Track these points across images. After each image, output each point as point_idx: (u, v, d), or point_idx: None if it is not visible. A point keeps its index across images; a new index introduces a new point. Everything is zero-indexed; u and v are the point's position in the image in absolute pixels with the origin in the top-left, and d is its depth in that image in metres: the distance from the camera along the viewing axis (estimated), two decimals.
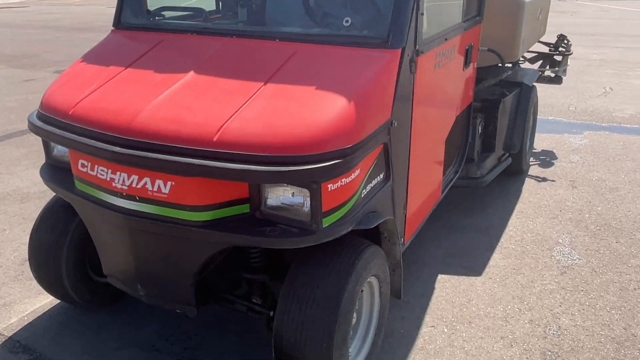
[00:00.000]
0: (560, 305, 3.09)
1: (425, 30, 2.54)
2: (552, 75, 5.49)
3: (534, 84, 4.73)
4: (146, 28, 2.88)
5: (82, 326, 2.90)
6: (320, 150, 1.97)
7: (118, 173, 2.15)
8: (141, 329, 2.88)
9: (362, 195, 2.24)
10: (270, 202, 2.13)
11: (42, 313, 3.01)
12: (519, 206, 4.30)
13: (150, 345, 2.77)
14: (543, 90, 6.61)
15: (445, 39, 2.87)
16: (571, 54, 5.48)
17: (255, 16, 2.99)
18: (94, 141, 2.17)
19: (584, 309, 3.06)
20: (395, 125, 2.37)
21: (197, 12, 2.96)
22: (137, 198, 2.14)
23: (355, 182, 2.14)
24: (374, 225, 2.27)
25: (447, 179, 3.60)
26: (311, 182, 1.99)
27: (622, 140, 5.76)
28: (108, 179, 2.19)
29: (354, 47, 2.37)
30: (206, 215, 2.10)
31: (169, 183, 2.08)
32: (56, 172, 2.58)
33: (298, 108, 2.10)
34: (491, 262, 3.52)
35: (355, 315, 2.28)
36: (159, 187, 2.09)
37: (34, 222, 2.85)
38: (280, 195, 2.11)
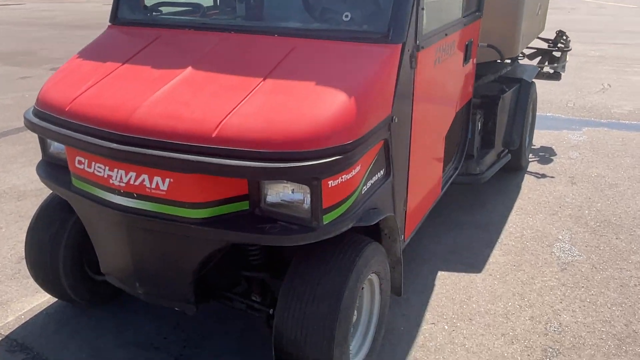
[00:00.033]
0: (561, 302, 3.08)
1: (426, 25, 2.52)
2: (551, 71, 5.47)
3: (533, 80, 4.72)
4: (143, 23, 2.85)
5: (80, 325, 2.88)
6: (320, 147, 1.95)
7: (115, 170, 2.12)
8: (139, 327, 2.86)
9: (363, 192, 2.22)
10: (270, 199, 2.11)
11: (39, 311, 2.98)
12: (519, 202, 4.29)
13: (149, 343, 2.75)
14: (541, 87, 6.59)
15: (446, 35, 2.85)
16: (570, 50, 5.47)
17: (253, 11, 2.96)
18: (91, 138, 2.14)
19: (584, 306, 3.04)
20: (396, 121, 2.35)
21: (194, 7, 2.93)
22: (135, 195, 2.11)
23: (355, 179, 2.12)
24: (374, 222, 2.25)
25: (447, 176, 3.58)
26: (311, 179, 1.97)
27: (621, 137, 5.75)
28: (105, 176, 2.16)
29: (353, 42, 2.35)
30: (205, 213, 2.07)
31: (167, 180, 2.05)
32: (53, 169, 2.56)
33: (298, 104, 2.08)
34: (491, 259, 3.51)
35: (355, 312, 2.26)
36: (157, 184, 2.07)
37: (30, 220, 2.82)
38: (280, 192, 2.08)
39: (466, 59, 3.35)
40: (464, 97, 3.54)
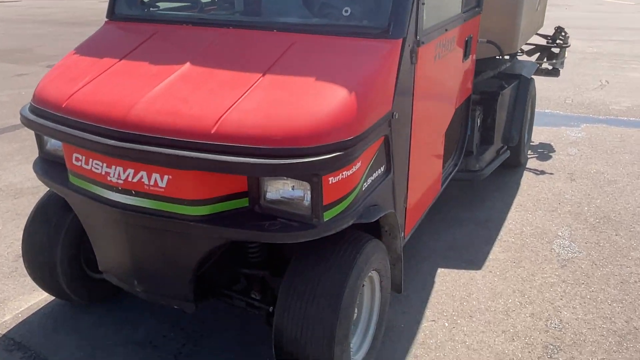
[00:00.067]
0: (562, 299, 3.07)
1: (426, 20, 2.50)
2: (550, 67, 5.46)
3: (532, 76, 4.70)
4: (140, 19, 2.83)
5: (78, 323, 2.86)
6: (321, 143, 1.93)
7: (113, 167, 2.10)
8: (138, 326, 2.84)
9: (363, 189, 2.20)
10: (270, 195, 2.09)
11: (36, 310, 2.96)
12: (518, 199, 4.28)
13: (148, 341, 2.73)
14: (539, 83, 6.57)
15: (446, 30, 2.83)
16: (569, 46, 5.46)
17: (251, 6, 2.93)
18: (88, 134, 2.12)
19: (585, 302, 3.04)
20: (396, 117, 2.33)
21: (192, 2, 2.90)
22: (133, 192, 2.09)
23: (356, 175, 2.10)
24: (375, 219, 2.23)
25: (447, 172, 3.56)
26: (312, 175, 1.95)
27: (619, 133, 5.74)
28: (103, 173, 2.13)
29: (353, 37, 2.33)
30: (204, 210, 2.05)
31: (165, 177, 2.03)
32: (50, 166, 2.53)
33: (298, 99, 2.06)
34: (491, 256, 3.49)
35: (356, 310, 2.24)
36: (155, 181, 2.05)
37: (27, 218, 2.79)
38: (280, 189, 2.06)
39: (466, 55, 3.33)
40: (464, 93, 3.52)
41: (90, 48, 2.66)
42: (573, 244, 3.62)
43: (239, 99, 2.07)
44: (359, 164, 2.11)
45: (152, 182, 2.05)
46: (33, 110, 2.42)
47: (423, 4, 2.41)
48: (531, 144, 5.34)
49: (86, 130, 2.13)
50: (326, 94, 2.06)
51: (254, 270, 2.45)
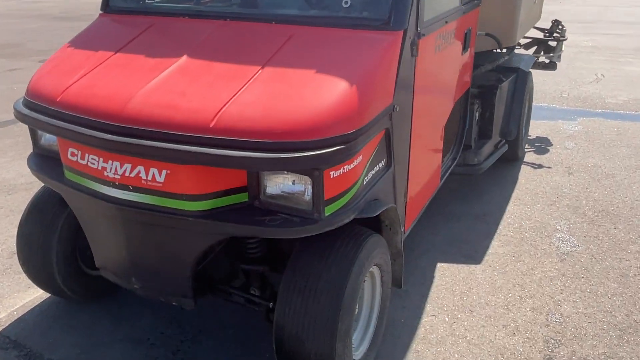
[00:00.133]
0: (562, 293, 3.05)
1: (426, 12, 2.47)
2: (547, 61, 5.44)
3: (530, 70, 4.68)
4: (136, 11, 2.77)
5: (74, 320, 2.82)
6: (322, 136, 1.90)
7: (110, 162, 2.06)
8: (135, 323, 2.80)
9: (364, 183, 2.17)
10: (270, 190, 2.06)
11: (32, 307, 2.92)
12: (516, 193, 4.27)
13: (146, 338, 2.70)
14: (535, 77, 6.55)
15: (446, 22, 2.80)
16: (566, 39, 5.43)
17: None
18: (84, 129, 2.07)
19: (585, 296, 3.02)
20: (397, 110, 2.30)
21: None
22: (131, 187, 2.05)
23: (357, 169, 2.07)
24: (377, 214, 2.20)
25: (446, 166, 3.54)
26: (313, 170, 1.91)
27: (615, 127, 5.74)
28: (99, 168, 2.09)
29: (353, 29, 2.29)
30: (203, 205, 2.02)
31: (163, 171, 1.99)
32: (44, 161, 2.48)
33: (298, 92, 2.02)
34: (490, 250, 3.48)
35: (357, 305, 2.21)
36: (153, 175, 2.01)
37: (21, 214, 2.75)
38: (280, 183, 2.03)
39: (465, 48, 3.30)
40: (463, 86, 3.50)
41: (85, 41, 2.61)
42: (572, 238, 3.61)
43: (237, 92, 2.03)
44: (360, 158, 2.08)
45: (149, 177, 2.01)
46: (27, 104, 2.37)
47: None
48: (528, 137, 5.33)
49: (82, 125, 2.09)
50: (327, 86, 2.02)
51: (253, 266, 2.42)
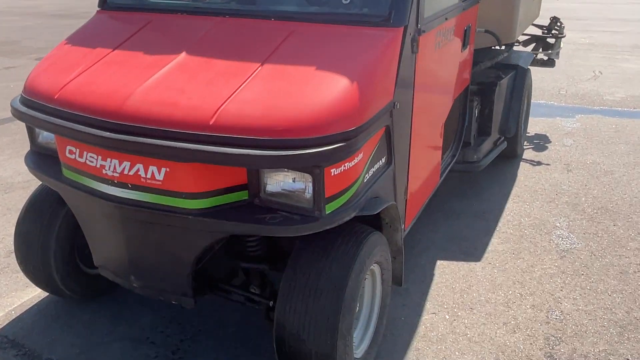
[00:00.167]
0: (562, 290, 3.05)
1: (426, 8, 2.45)
2: (545, 58, 5.43)
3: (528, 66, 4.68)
4: (133, 8, 2.75)
5: (73, 320, 2.80)
6: (322, 133, 1.88)
7: (109, 159, 2.04)
8: (135, 321, 2.79)
9: (365, 180, 2.16)
10: (270, 188, 2.04)
11: (30, 306, 2.90)
12: (515, 190, 4.26)
13: (145, 337, 2.68)
14: (533, 74, 6.57)
15: (445, 19, 2.78)
16: (564, 36, 5.43)
17: None
18: (82, 126, 2.05)
19: (585, 293, 3.02)
20: (398, 107, 2.29)
21: None
22: (130, 186, 2.03)
23: (358, 167, 2.06)
24: (377, 211, 2.19)
25: (445, 163, 3.53)
26: (314, 167, 1.90)
27: (614, 124, 5.74)
28: (98, 166, 2.08)
29: (354, 25, 2.28)
30: (203, 203, 2.00)
31: (163, 169, 1.97)
32: (42, 159, 2.46)
33: (298, 89, 2.00)
34: (490, 247, 3.47)
35: (358, 303, 2.20)
36: (152, 173, 1.99)
37: (19, 213, 2.73)
38: (280, 181, 2.02)
39: (464, 45, 3.29)
40: (462, 83, 3.49)
41: (83, 38, 2.59)
42: (571, 235, 3.61)
43: (237, 89, 2.02)
44: (361, 155, 2.06)
45: (148, 175, 1.99)
46: (24, 101, 2.35)
47: None
48: (527, 134, 5.33)
49: (80, 122, 2.07)
50: (327, 83, 2.01)
51: (253, 264, 2.40)
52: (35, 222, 2.65)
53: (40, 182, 2.67)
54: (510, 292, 3.04)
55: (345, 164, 1.98)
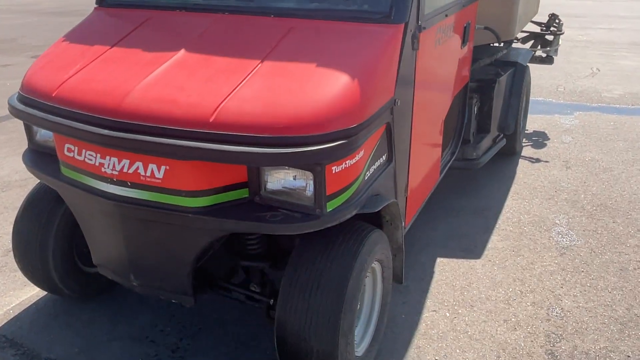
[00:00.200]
0: (562, 287, 3.05)
1: (427, 5, 2.44)
2: (544, 55, 5.43)
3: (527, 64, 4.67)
4: (132, 5, 2.73)
5: (72, 318, 2.79)
6: (323, 131, 1.87)
7: (107, 157, 2.02)
8: (134, 320, 2.77)
9: (366, 178, 2.15)
10: (270, 186, 2.03)
11: (28, 306, 2.88)
12: (514, 187, 4.26)
13: (144, 336, 2.67)
14: (531, 71, 6.57)
15: (446, 15, 2.77)
16: (563, 33, 5.42)
17: None
18: (80, 124, 2.04)
19: (585, 290, 3.02)
20: (398, 104, 2.28)
21: None
22: (129, 184, 2.02)
23: (359, 164, 2.05)
24: (378, 209, 2.18)
25: (445, 161, 3.52)
26: (315, 165, 1.89)
27: (612, 121, 5.74)
28: (97, 164, 2.06)
29: (354, 22, 2.26)
30: (203, 201, 1.99)
31: (162, 167, 1.96)
32: (40, 157, 2.44)
33: (298, 87, 1.99)
34: (490, 245, 3.47)
35: (359, 301, 2.19)
36: (152, 171, 1.98)
37: (17, 211, 2.71)
38: (281, 179, 2.00)
39: (464, 42, 3.28)
40: (462, 80, 3.48)
41: (80, 35, 2.57)
42: (571, 232, 3.61)
43: (237, 86, 2.00)
44: (361, 153, 2.05)
45: (148, 173, 1.98)
46: (22, 99, 2.33)
47: None
48: (525, 132, 5.32)
49: (78, 120, 2.05)
50: (327, 80, 2.00)
51: (253, 263, 2.39)
52: (34, 221, 2.64)
53: (38, 181, 2.65)
54: (511, 289, 3.03)
55: (347, 162, 1.97)
